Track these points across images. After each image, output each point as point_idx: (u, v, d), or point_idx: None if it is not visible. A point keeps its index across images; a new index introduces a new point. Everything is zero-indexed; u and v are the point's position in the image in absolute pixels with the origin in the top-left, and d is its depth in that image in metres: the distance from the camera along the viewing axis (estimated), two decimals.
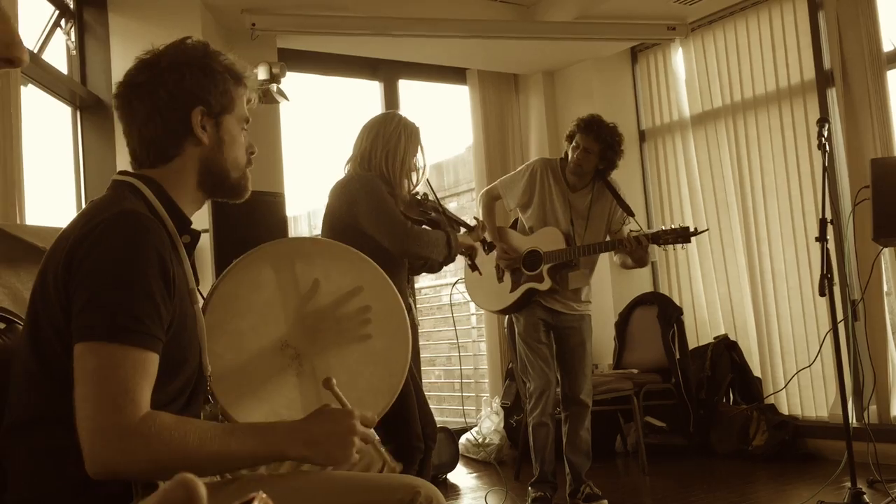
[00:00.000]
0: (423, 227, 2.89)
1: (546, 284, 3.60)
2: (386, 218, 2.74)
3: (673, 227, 3.47)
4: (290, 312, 1.56)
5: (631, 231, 3.58)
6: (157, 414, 1.22)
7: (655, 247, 3.58)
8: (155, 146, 1.42)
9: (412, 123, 2.94)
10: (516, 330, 3.73)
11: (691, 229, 3.43)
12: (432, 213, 2.92)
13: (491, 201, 3.89)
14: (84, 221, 1.29)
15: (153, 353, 1.24)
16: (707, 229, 3.95)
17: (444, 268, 3.02)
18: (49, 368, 1.27)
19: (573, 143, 3.63)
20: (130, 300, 1.22)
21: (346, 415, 1.34)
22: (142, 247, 1.25)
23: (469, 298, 4.15)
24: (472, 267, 3.20)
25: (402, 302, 1.68)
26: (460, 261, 3.57)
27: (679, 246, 3.47)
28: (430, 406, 3.00)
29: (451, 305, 4.10)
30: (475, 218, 3.10)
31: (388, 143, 2.86)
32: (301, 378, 1.54)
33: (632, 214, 3.66)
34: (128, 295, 1.22)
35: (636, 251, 3.45)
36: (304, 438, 1.29)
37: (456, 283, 4.05)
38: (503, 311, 3.86)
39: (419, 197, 2.95)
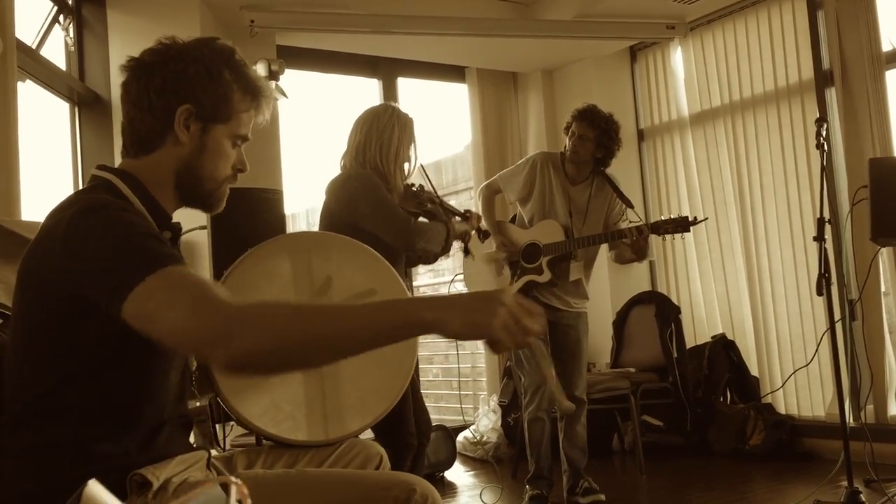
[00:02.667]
0: (421, 219, 2.88)
1: (545, 276, 3.59)
2: (390, 216, 2.74)
3: (672, 216, 3.46)
4: None
5: (631, 222, 3.57)
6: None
7: (653, 247, 3.58)
8: (138, 133, 1.38)
9: (405, 114, 2.92)
10: None
11: (690, 218, 3.44)
12: (428, 205, 2.91)
13: (491, 195, 3.89)
14: (69, 210, 1.24)
15: None
16: (706, 218, 3.94)
17: (443, 266, 3.02)
18: (38, 364, 1.25)
19: (569, 133, 3.64)
20: (150, 242, 1.20)
21: (495, 291, 1.23)
22: (131, 213, 1.26)
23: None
24: (466, 251, 3.18)
25: None
26: (458, 259, 3.56)
27: (679, 236, 3.46)
28: (428, 404, 3.01)
29: None
30: (467, 211, 3.09)
31: (381, 135, 2.85)
32: (306, 374, 1.54)
33: (631, 206, 3.65)
34: (145, 238, 1.20)
35: (637, 241, 3.42)
36: (440, 304, 1.18)
37: (454, 280, 4.04)
38: None
39: (415, 188, 2.94)
